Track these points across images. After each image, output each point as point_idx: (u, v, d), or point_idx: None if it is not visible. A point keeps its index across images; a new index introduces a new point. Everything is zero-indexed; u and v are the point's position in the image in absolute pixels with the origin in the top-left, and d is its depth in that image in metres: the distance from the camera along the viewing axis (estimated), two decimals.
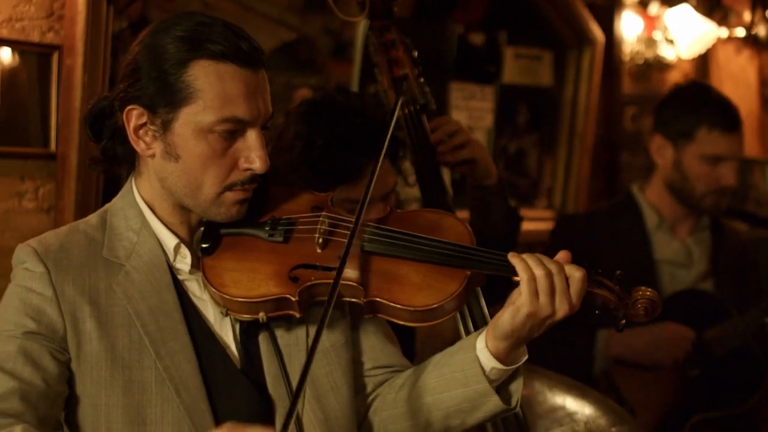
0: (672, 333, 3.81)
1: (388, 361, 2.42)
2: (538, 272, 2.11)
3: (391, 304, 2.15)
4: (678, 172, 3.97)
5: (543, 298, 2.11)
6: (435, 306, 2.14)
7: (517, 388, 2.26)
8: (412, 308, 2.14)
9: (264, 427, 1.93)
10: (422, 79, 3.11)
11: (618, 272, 2.20)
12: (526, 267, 2.12)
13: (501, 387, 2.25)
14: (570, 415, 3.19)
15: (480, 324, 2.84)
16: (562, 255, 2.17)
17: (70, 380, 2.16)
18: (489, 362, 2.20)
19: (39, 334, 2.12)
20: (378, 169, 2.32)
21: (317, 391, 2.25)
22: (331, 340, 2.30)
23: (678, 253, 4.02)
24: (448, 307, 2.17)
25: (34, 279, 2.16)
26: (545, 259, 2.14)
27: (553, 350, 3.78)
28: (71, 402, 2.18)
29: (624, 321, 2.18)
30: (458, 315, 2.94)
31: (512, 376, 2.26)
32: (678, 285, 3.96)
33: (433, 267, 2.19)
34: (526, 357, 2.24)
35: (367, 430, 2.39)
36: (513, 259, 2.15)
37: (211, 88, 2.11)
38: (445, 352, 2.32)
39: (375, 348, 2.41)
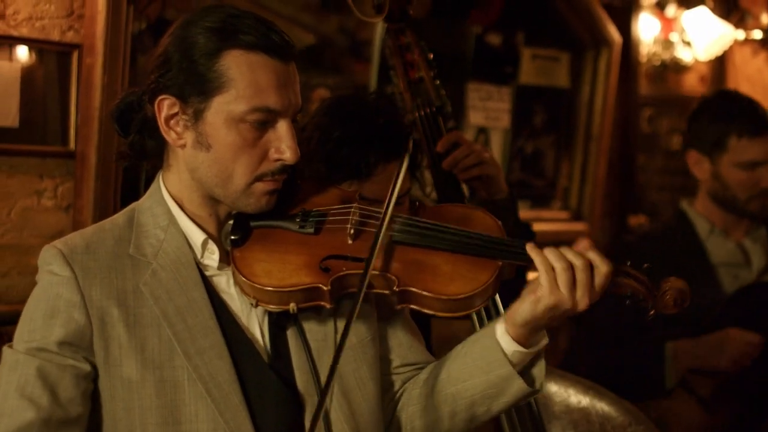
0: (735, 339, 3.79)
1: (416, 359, 2.42)
2: (558, 265, 2.11)
3: (423, 293, 2.15)
4: (718, 182, 3.98)
5: (564, 290, 2.11)
6: (467, 295, 2.14)
7: (540, 370, 2.25)
8: (444, 297, 2.14)
9: None
10: (438, 82, 3.10)
11: (646, 264, 2.19)
12: (545, 260, 2.13)
13: (524, 371, 2.24)
14: (586, 416, 3.18)
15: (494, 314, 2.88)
16: (584, 243, 2.17)
17: (97, 387, 2.15)
18: (510, 346, 2.19)
19: (66, 344, 2.12)
20: (405, 163, 2.31)
21: (344, 387, 2.25)
22: (358, 336, 2.29)
23: (734, 254, 4.01)
24: (478, 298, 2.17)
25: (62, 284, 2.15)
26: (569, 253, 2.14)
27: (623, 370, 3.80)
28: (103, 408, 2.16)
29: (653, 312, 2.18)
30: (475, 316, 2.94)
31: (534, 360, 2.25)
32: (742, 284, 3.95)
33: (464, 257, 2.19)
34: (546, 340, 2.23)
35: (395, 427, 2.39)
36: (532, 252, 2.15)
37: (242, 77, 2.12)
38: (465, 342, 2.32)
39: (402, 345, 2.41)
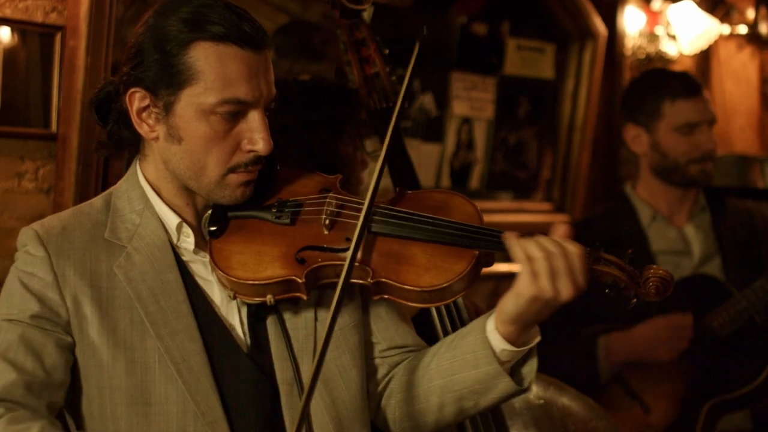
0: (668, 326, 3.81)
1: (403, 341, 2.41)
2: (536, 255, 2.09)
3: (398, 284, 2.15)
4: (657, 152, 4.01)
5: (543, 280, 2.08)
6: (442, 286, 2.14)
7: (530, 369, 2.25)
8: (418, 288, 2.15)
9: None
10: (394, 78, 3.12)
11: (629, 251, 2.19)
12: (522, 250, 2.11)
13: (515, 369, 2.24)
14: (547, 412, 3.19)
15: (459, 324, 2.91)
16: (561, 231, 2.16)
17: (74, 365, 2.17)
18: (499, 344, 2.19)
19: (43, 318, 2.14)
20: (384, 151, 2.33)
21: (325, 375, 2.25)
22: (340, 323, 2.28)
23: (675, 242, 4.03)
24: (456, 287, 2.17)
25: (36, 263, 2.17)
26: (545, 241, 2.12)
27: (557, 362, 3.80)
28: (77, 386, 2.19)
29: (635, 300, 2.17)
30: (438, 322, 2.96)
31: (525, 357, 2.25)
32: (683, 273, 3.96)
33: (441, 247, 2.19)
34: (539, 338, 2.22)
35: (383, 413, 2.39)
36: (509, 241, 2.13)
37: (211, 69, 2.12)
38: (457, 333, 2.33)
39: (389, 328, 2.41)
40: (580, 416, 3.16)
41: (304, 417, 2.10)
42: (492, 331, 2.20)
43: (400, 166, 3.09)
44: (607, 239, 3.90)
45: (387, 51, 3.11)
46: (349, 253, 2.13)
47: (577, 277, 2.10)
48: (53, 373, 2.12)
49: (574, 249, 2.11)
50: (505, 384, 2.21)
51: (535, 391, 3.21)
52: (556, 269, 2.09)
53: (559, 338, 3.79)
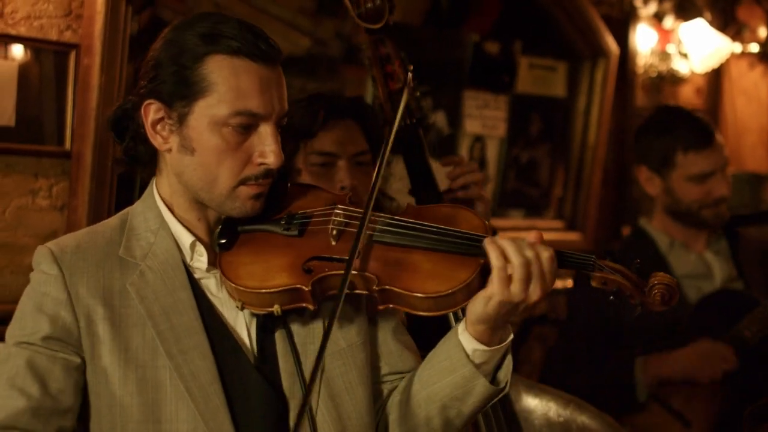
0: (709, 353, 3.79)
1: (405, 367, 2.42)
2: (511, 258, 2.10)
3: (404, 291, 2.16)
4: (670, 197, 3.99)
5: (516, 285, 2.10)
6: (447, 293, 2.15)
7: (506, 372, 2.25)
8: (423, 295, 2.15)
9: None
10: (418, 93, 3.14)
11: (637, 261, 2.19)
12: (499, 255, 2.11)
13: (492, 372, 2.24)
14: (567, 430, 3.19)
15: None
16: (534, 235, 2.16)
17: (84, 384, 2.18)
18: (470, 344, 2.19)
19: (54, 339, 2.15)
20: (384, 160, 2.35)
21: (332, 390, 2.26)
22: (348, 340, 2.31)
23: (696, 266, 4.02)
24: (460, 295, 2.17)
25: (49, 282, 2.19)
26: (522, 245, 2.12)
27: (595, 382, 3.79)
28: (87, 404, 2.19)
29: (640, 309, 2.16)
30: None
31: (500, 361, 2.24)
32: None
33: (446, 255, 2.20)
34: (511, 337, 2.23)
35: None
36: (489, 246, 2.13)
37: (225, 81, 2.15)
38: (438, 344, 2.33)
39: (393, 354, 2.41)
40: (562, 414, 3.16)
41: (308, 429, 2.12)
42: (463, 333, 2.21)
43: (423, 185, 3.10)
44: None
45: (411, 67, 3.12)
46: (349, 261, 2.14)
47: (546, 280, 2.12)
48: (61, 398, 2.13)
49: (546, 253, 2.13)
50: (482, 385, 2.21)
51: (555, 409, 3.21)
52: (530, 274, 2.10)
53: (598, 354, 3.81)
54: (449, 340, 2.25)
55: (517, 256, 2.10)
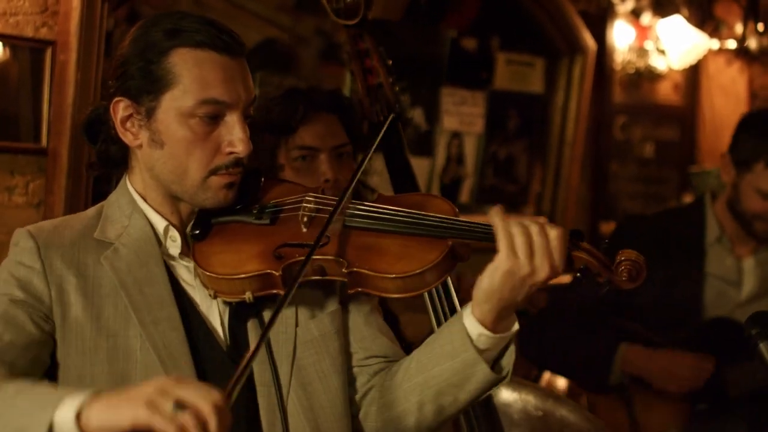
0: (690, 364, 3.80)
1: (382, 351, 2.42)
2: (516, 230, 2.10)
3: (372, 273, 2.17)
4: (735, 192, 3.97)
5: (521, 255, 2.09)
6: (415, 273, 2.15)
7: (509, 360, 2.24)
8: (392, 275, 2.16)
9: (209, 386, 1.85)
10: (397, 88, 3.14)
11: (605, 241, 2.20)
12: (504, 224, 2.11)
13: (494, 362, 2.23)
14: (546, 423, 3.20)
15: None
16: (542, 219, 2.17)
17: (55, 352, 2.19)
18: (475, 329, 2.18)
19: (25, 302, 2.17)
20: (368, 159, 2.38)
21: (304, 379, 2.27)
22: (321, 329, 2.32)
23: (729, 271, 3.99)
24: (429, 277, 2.17)
25: (24, 253, 2.21)
26: (526, 219, 2.14)
27: (575, 352, 3.80)
28: (58, 374, 2.20)
29: (607, 287, 2.18)
30: (434, 317, 2.98)
31: (503, 351, 2.24)
32: (724, 302, 3.93)
33: (414, 238, 2.21)
34: (516, 326, 2.21)
35: (365, 419, 2.40)
36: (495, 217, 2.13)
37: (189, 72, 2.18)
38: (437, 330, 2.33)
39: (366, 338, 2.41)
40: (579, 428, 3.16)
41: (279, 418, 2.15)
42: (468, 316, 2.20)
43: (403, 181, 3.11)
44: (672, 240, 3.93)
45: (390, 62, 3.13)
46: (314, 244, 2.15)
47: (554, 257, 2.10)
48: (31, 347, 2.14)
49: (554, 231, 2.13)
50: (482, 372, 2.20)
51: (534, 403, 3.21)
52: (535, 246, 2.10)
53: (582, 330, 3.82)
54: (452, 326, 2.24)
55: (516, 225, 2.11)
